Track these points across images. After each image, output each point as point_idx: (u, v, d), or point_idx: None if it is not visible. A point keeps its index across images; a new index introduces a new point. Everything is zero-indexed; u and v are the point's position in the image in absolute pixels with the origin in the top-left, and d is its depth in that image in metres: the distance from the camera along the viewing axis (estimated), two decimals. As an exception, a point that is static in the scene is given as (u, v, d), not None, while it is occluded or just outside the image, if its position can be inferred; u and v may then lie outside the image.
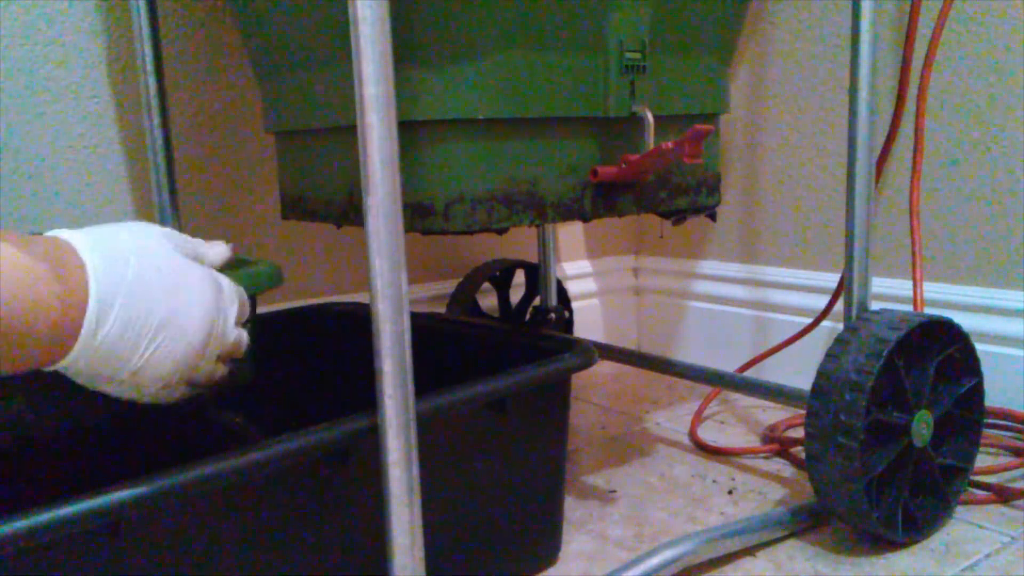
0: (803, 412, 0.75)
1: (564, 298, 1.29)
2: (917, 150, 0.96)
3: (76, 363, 0.45)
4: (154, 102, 0.86)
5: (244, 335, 0.53)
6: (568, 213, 0.70)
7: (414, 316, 0.54)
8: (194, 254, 0.52)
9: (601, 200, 0.72)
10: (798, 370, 1.10)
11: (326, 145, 0.75)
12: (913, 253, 0.94)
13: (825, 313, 1.04)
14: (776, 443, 0.97)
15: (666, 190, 0.76)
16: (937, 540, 0.75)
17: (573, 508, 0.84)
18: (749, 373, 1.13)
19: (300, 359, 0.90)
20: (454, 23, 0.62)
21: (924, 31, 0.97)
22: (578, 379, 1.21)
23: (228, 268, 0.57)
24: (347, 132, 0.71)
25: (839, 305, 0.84)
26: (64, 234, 0.46)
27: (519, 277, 1.26)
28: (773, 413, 1.10)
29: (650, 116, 0.70)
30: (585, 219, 0.72)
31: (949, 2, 0.94)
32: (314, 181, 0.77)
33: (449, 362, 0.81)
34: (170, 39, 0.96)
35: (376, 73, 0.49)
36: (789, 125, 1.16)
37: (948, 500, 0.77)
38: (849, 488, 0.69)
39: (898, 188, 1.05)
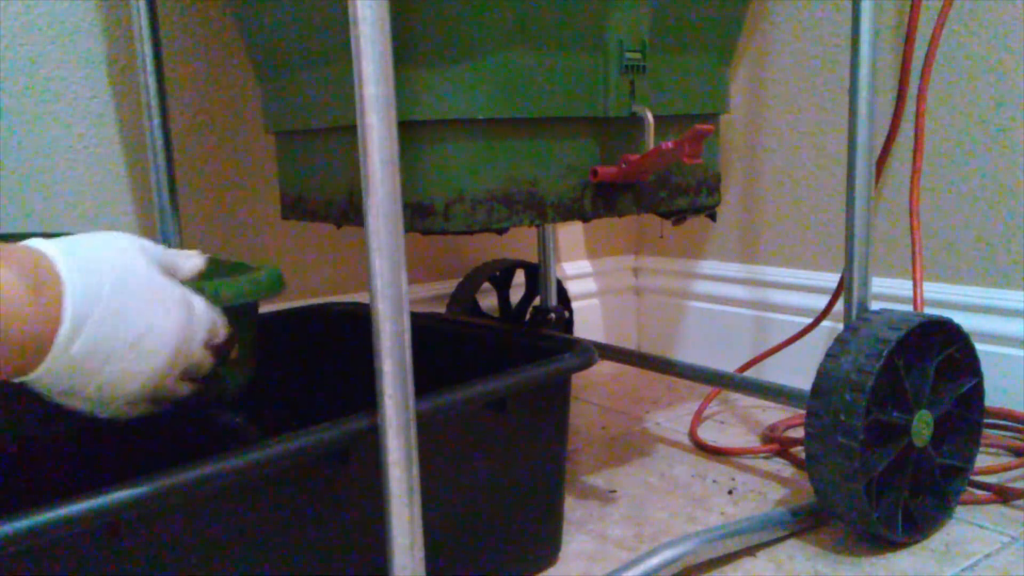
0: (803, 412, 0.75)
1: (564, 298, 1.29)
2: (917, 150, 0.96)
3: (43, 377, 0.44)
4: (154, 102, 0.86)
5: (207, 356, 0.52)
6: (568, 213, 0.70)
7: (414, 316, 0.54)
8: (169, 267, 0.52)
9: (601, 200, 0.72)
10: (798, 370, 1.10)
11: (326, 145, 0.75)
12: (913, 253, 0.94)
13: (825, 313, 1.04)
14: (776, 443, 0.97)
15: (666, 190, 0.76)
16: (937, 540, 0.75)
17: (573, 508, 0.84)
18: (749, 373, 1.13)
19: (300, 359, 0.90)
20: (454, 23, 0.62)
21: (924, 31, 0.97)
22: (578, 379, 1.21)
23: (229, 274, 0.56)
24: (347, 132, 0.71)
25: (839, 305, 0.84)
26: (41, 245, 0.45)
27: (519, 277, 1.26)
28: (773, 413, 1.10)
29: (650, 116, 0.70)
30: (585, 219, 0.72)
31: (949, 2, 0.94)
32: (314, 181, 0.77)
33: (449, 362, 0.81)
34: (170, 39, 0.96)
35: (376, 73, 0.49)
36: (789, 125, 1.16)
37: (948, 500, 0.77)
38: (849, 488, 0.69)
39: (898, 188, 1.05)
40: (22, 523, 0.43)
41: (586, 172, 0.70)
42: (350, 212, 0.72)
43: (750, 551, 0.74)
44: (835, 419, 0.69)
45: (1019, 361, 0.96)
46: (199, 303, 0.51)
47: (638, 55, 0.70)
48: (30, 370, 0.44)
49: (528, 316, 1.24)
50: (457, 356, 0.82)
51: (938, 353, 0.75)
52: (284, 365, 0.87)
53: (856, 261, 0.78)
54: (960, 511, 0.79)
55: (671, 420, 1.09)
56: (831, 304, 1.03)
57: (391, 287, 0.51)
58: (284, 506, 0.55)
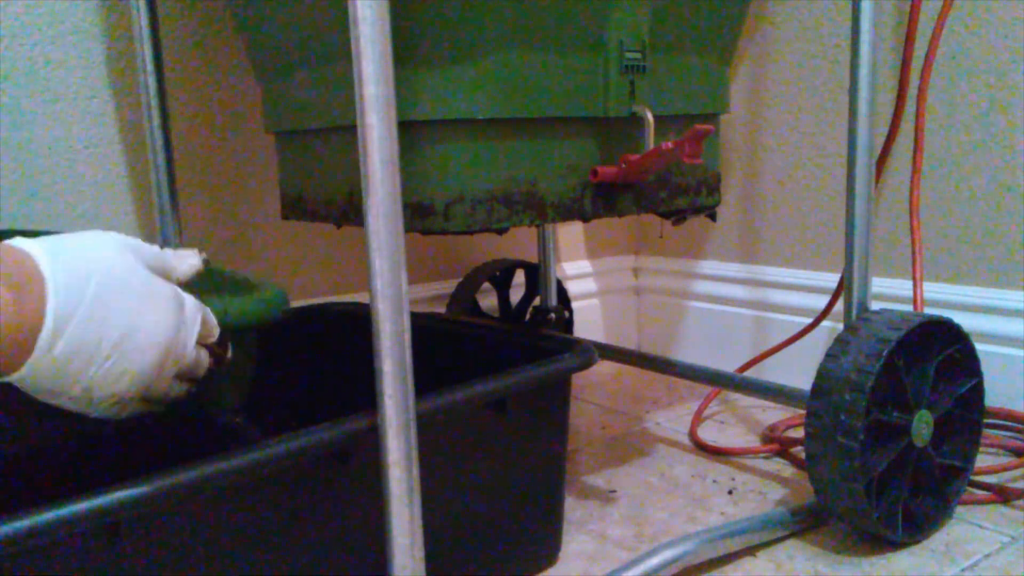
0: (803, 412, 0.75)
1: (564, 298, 1.29)
2: (917, 150, 0.96)
3: (25, 378, 0.44)
4: (154, 102, 0.86)
5: (204, 355, 0.52)
6: (568, 213, 0.70)
7: (414, 316, 0.54)
8: (162, 267, 0.51)
9: (601, 200, 0.72)
10: (798, 370, 1.09)
11: (326, 145, 0.75)
12: (913, 253, 0.94)
13: (825, 313, 1.04)
14: (776, 443, 0.97)
15: (666, 190, 0.76)
16: (937, 540, 0.75)
17: (573, 508, 0.84)
18: (749, 373, 1.13)
19: (300, 359, 0.90)
20: (454, 23, 0.62)
21: (924, 31, 0.97)
22: (578, 379, 1.21)
23: (235, 293, 0.56)
24: (347, 132, 0.71)
25: (839, 305, 0.84)
26: (25, 244, 0.45)
27: (519, 277, 1.26)
28: (773, 413, 1.10)
29: (650, 116, 0.70)
30: (585, 219, 0.72)
31: (949, 2, 0.94)
32: (314, 181, 0.77)
33: (449, 362, 0.81)
34: (170, 39, 0.96)
35: (376, 73, 0.49)
36: (789, 125, 1.16)
37: (948, 500, 0.77)
38: (849, 488, 0.69)
39: (898, 188, 1.05)
40: (22, 523, 0.43)
41: (586, 172, 0.70)
42: (350, 212, 0.72)
43: (750, 551, 0.74)
44: (835, 419, 0.69)
45: (1019, 361, 0.96)
46: (190, 302, 0.51)
47: (638, 55, 0.70)
48: (12, 370, 0.43)
49: (528, 316, 1.24)
50: (457, 356, 0.82)
51: (938, 353, 0.75)
52: (284, 365, 0.87)
53: (856, 261, 0.78)
54: (960, 511, 0.79)
55: (671, 420, 1.09)
56: (831, 304, 1.03)
57: (391, 287, 0.51)
58: (284, 506, 0.55)
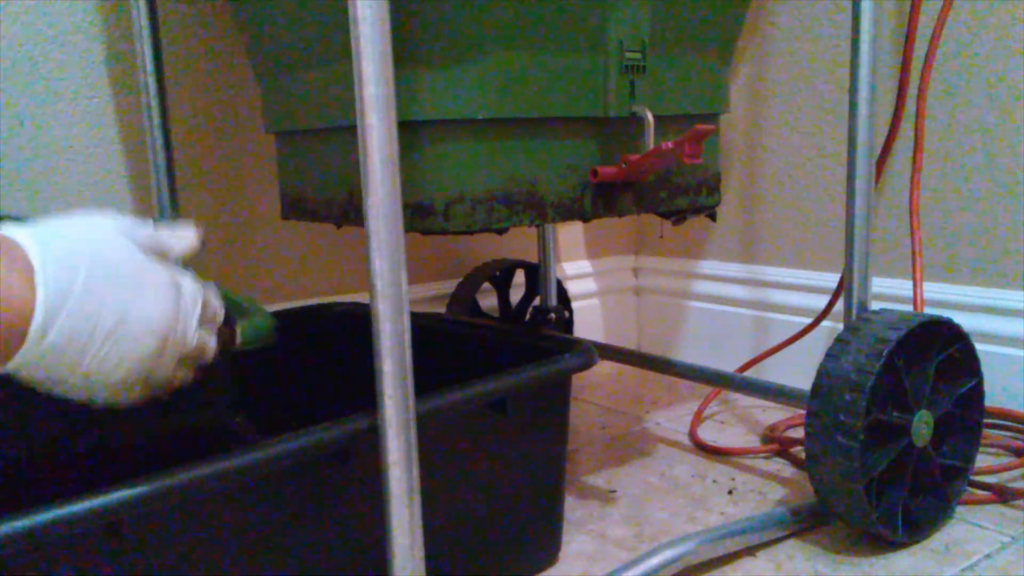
0: (803, 412, 0.75)
1: (564, 298, 1.29)
2: (917, 150, 0.96)
3: (19, 368, 0.44)
4: (154, 102, 0.86)
5: (210, 339, 0.52)
6: (568, 213, 0.70)
7: (414, 316, 0.54)
8: (157, 248, 0.50)
9: (601, 200, 0.72)
10: (798, 370, 1.09)
11: (326, 145, 0.75)
12: (913, 253, 0.94)
13: (825, 313, 1.04)
14: (776, 443, 0.97)
15: (666, 190, 0.76)
16: (937, 540, 0.75)
17: (573, 508, 0.84)
18: (749, 373, 1.13)
19: (300, 359, 0.90)
20: (454, 23, 0.62)
21: (924, 31, 0.97)
22: (578, 379, 1.21)
23: (241, 315, 0.57)
24: (347, 132, 0.71)
25: (839, 305, 0.84)
26: (15, 232, 0.44)
27: (519, 277, 1.26)
28: (773, 413, 1.10)
29: (650, 116, 0.70)
30: (585, 219, 0.72)
31: (949, 2, 0.94)
32: (314, 181, 0.77)
33: (449, 362, 0.81)
34: (170, 39, 0.96)
35: (376, 73, 0.49)
36: (789, 125, 1.16)
37: (948, 500, 0.77)
38: (849, 488, 0.69)
39: (898, 188, 1.05)
40: (22, 523, 0.43)
41: (586, 172, 0.70)
42: (350, 212, 0.72)
43: (750, 551, 0.74)
44: (835, 419, 0.69)
45: (1019, 361, 0.96)
46: (189, 285, 0.50)
47: (638, 55, 0.70)
48: (4, 360, 0.43)
49: (528, 316, 1.24)
50: (457, 356, 0.82)
51: (938, 353, 0.75)
52: (284, 365, 0.87)
53: (856, 261, 0.78)
54: (960, 511, 0.79)
55: (671, 420, 1.09)
56: (831, 304, 1.03)
57: (391, 287, 0.51)
58: (284, 506, 0.55)
